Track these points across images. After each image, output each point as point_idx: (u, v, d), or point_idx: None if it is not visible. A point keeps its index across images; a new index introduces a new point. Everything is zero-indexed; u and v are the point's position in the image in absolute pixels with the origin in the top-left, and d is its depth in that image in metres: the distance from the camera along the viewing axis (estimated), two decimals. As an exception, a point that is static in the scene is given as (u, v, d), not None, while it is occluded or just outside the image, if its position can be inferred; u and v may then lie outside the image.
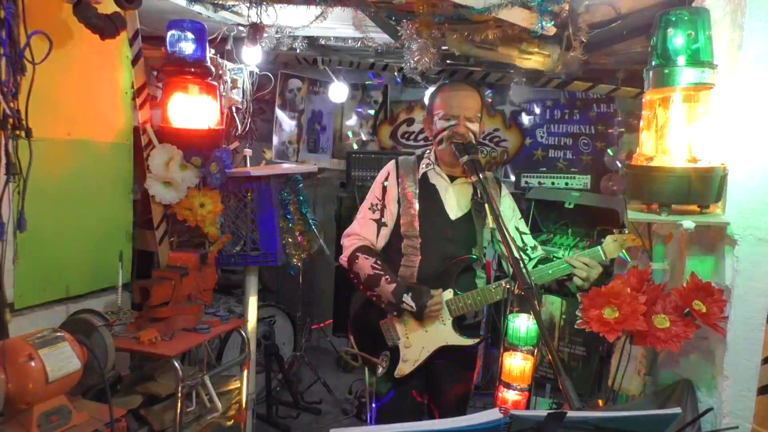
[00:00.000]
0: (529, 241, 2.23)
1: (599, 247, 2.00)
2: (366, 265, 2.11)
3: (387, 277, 2.08)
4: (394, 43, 2.88)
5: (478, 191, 2.01)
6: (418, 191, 2.19)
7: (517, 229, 2.22)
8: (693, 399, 1.73)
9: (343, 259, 2.21)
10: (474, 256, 2.16)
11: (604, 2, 2.40)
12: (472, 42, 2.65)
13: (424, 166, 2.23)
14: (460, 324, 2.15)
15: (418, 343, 2.12)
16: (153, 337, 2.19)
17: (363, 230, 2.22)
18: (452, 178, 2.21)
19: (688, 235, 1.78)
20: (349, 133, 4.94)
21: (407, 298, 2.03)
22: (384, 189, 2.23)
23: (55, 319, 2.14)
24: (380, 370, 2.15)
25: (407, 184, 2.20)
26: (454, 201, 2.19)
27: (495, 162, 4.55)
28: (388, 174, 2.24)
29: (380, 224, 2.21)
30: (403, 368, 2.13)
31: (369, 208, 2.24)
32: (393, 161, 2.28)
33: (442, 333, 2.12)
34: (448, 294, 2.11)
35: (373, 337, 2.18)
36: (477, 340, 2.19)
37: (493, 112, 4.51)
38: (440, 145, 2.16)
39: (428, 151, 2.27)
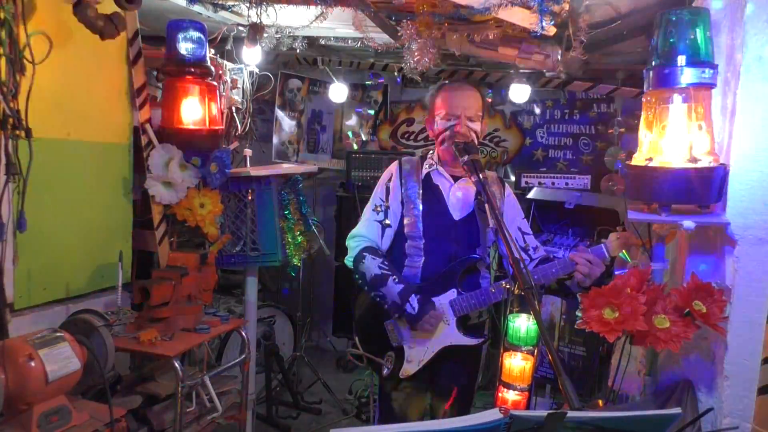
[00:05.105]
0: (531, 241, 2.22)
1: (603, 245, 2.01)
2: (373, 264, 2.11)
3: (395, 277, 2.08)
4: (394, 43, 2.88)
5: (480, 191, 2.01)
6: (421, 192, 2.19)
7: (520, 229, 2.22)
8: (693, 399, 1.72)
9: (348, 259, 2.22)
10: (477, 256, 2.17)
11: (604, 2, 2.40)
12: (472, 42, 2.66)
13: (427, 166, 2.23)
14: (464, 324, 2.15)
15: (422, 343, 2.12)
16: (153, 337, 2.19)
17: (368, 231, 2.22)
18: (455, 178, 2.21)
19: (688, 235, 1.78)
20: (349, 133, 4.94)
21: (414, 300, 2.03)
22: (387, 190, 2.23)
23: (55, 319, 2.13)
24: (385, 370, 2.15)
25: (410, 184, 2.20)
26: (458, 201, 2.19)
27: (495, 162, 4.55)
28: (392, 175, 2.25)
29: (384, 225, 2.21)
30: (408, 369, 2.13)
31: (373, 210, 2.24)
32: (396, 162, 2.28)
33: (447, 333, 2.11)
34: (452, 294, 2.11)
35: (377, 337, 2.18)
36: (481, 340, 2.20)
37: (493, 112, 4.51)
38: (442, 145, 2.16)
39: (431, 152, 2.28)
